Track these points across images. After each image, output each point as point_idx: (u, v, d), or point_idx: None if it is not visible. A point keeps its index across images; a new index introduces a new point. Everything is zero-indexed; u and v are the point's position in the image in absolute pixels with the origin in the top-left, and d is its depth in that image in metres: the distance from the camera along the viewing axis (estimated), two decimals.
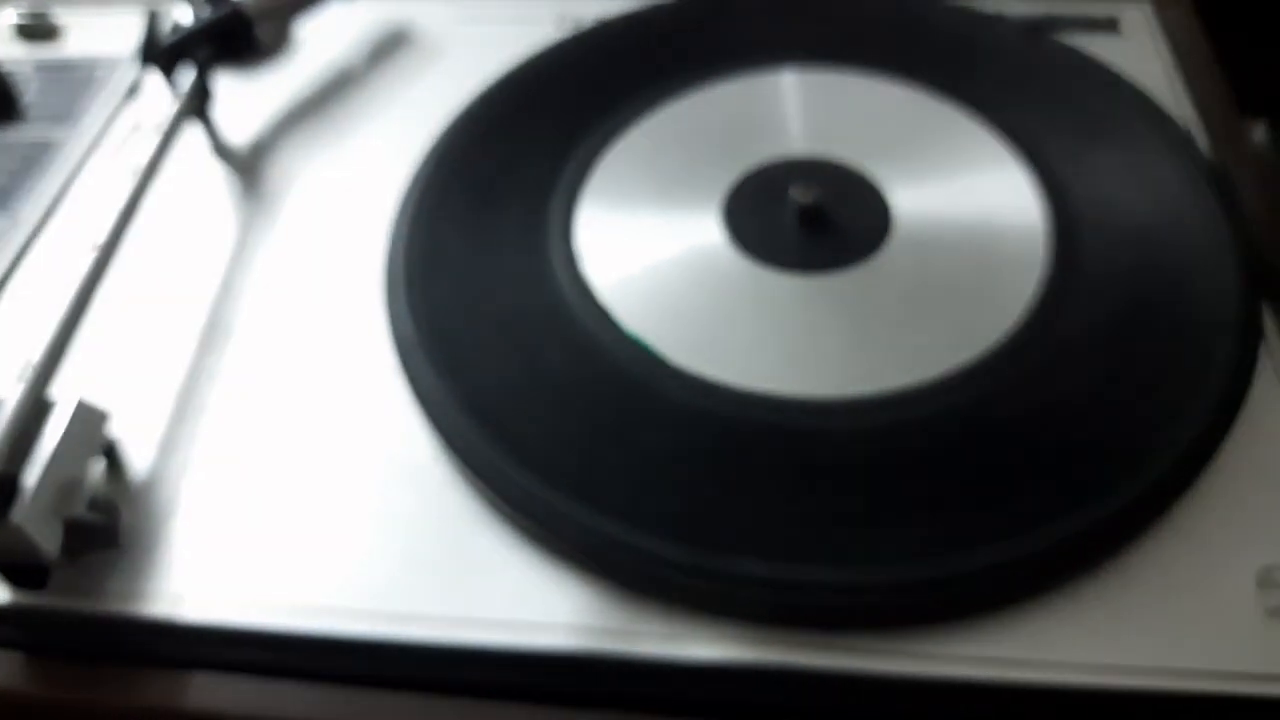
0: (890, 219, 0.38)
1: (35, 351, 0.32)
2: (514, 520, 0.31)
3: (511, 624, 0.30)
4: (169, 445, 0.34)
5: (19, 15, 0.50)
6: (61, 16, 0.51)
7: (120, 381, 0.36)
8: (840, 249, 0.37)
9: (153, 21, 0.42)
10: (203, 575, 0.31)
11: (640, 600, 0.30)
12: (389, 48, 0.48)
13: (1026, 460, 0.32)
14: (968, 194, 0.39)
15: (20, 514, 0.28)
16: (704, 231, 0.38)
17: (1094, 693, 0.28)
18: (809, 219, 0.38)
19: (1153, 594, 0.30)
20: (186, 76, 0.42)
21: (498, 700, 0.29)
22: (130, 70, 0.47)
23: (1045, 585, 0.30)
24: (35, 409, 0.30)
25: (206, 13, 0.44)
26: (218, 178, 0.43)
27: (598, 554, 0.30)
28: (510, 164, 0.41)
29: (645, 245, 0.38)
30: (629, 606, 0.30)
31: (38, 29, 0.50)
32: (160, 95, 0.43)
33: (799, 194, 0.37)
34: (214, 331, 0.37)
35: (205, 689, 0.30)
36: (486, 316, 0.36)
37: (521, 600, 0.30)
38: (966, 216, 0.38)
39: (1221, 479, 0.32)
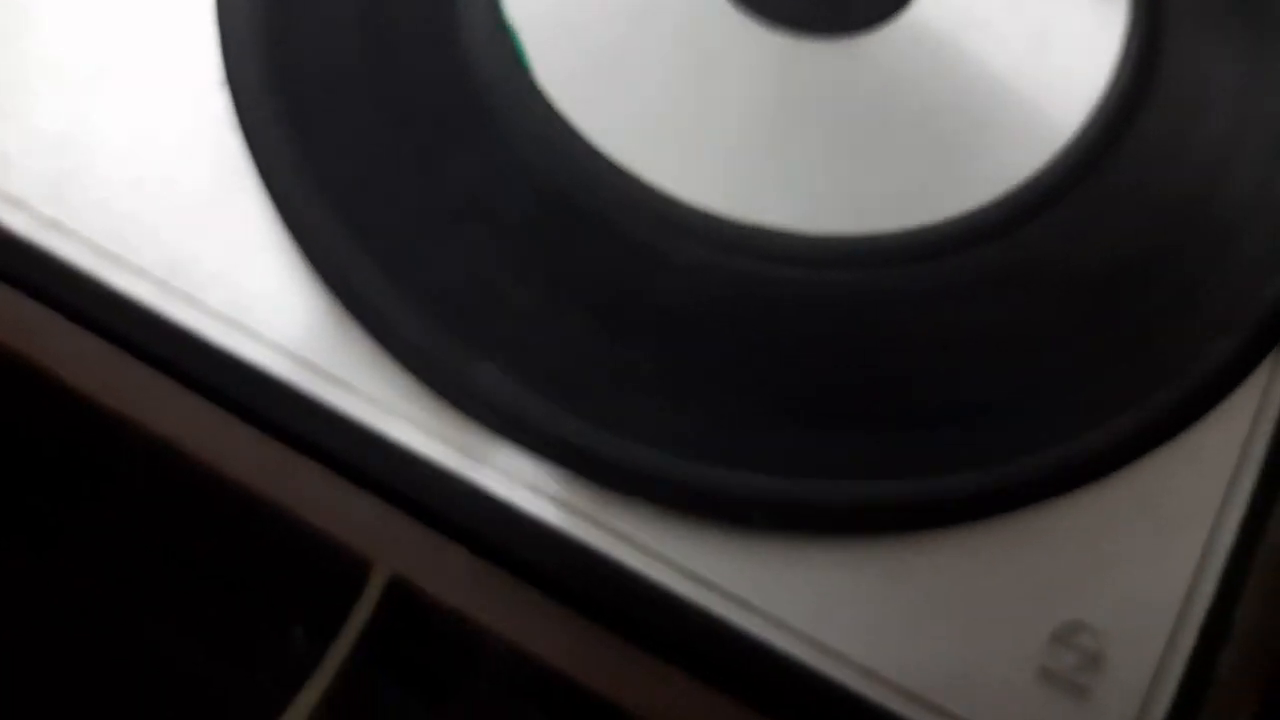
0: None
1: None
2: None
3: (229, 321, 0.26)
4: None
5: None
6: None
7: None
8: (841, 3, 0.28)
9: None
10: None
11: (374, 358, 0.25)
12: None
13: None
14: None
15: None
16: None
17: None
18: None
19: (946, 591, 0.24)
20: None
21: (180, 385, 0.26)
22: None
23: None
24: None
25: None
26: None
27: (341, 288, 0.25)
28: None
29: None
30: (357, 357, 0.25)
31: None
32: None
33: None
34: None
35: None
36: None
37: (253, 300, 0.26)
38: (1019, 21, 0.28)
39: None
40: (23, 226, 0.26)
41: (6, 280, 0.26)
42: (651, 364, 0.25)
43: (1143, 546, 0.25)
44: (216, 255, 0.26)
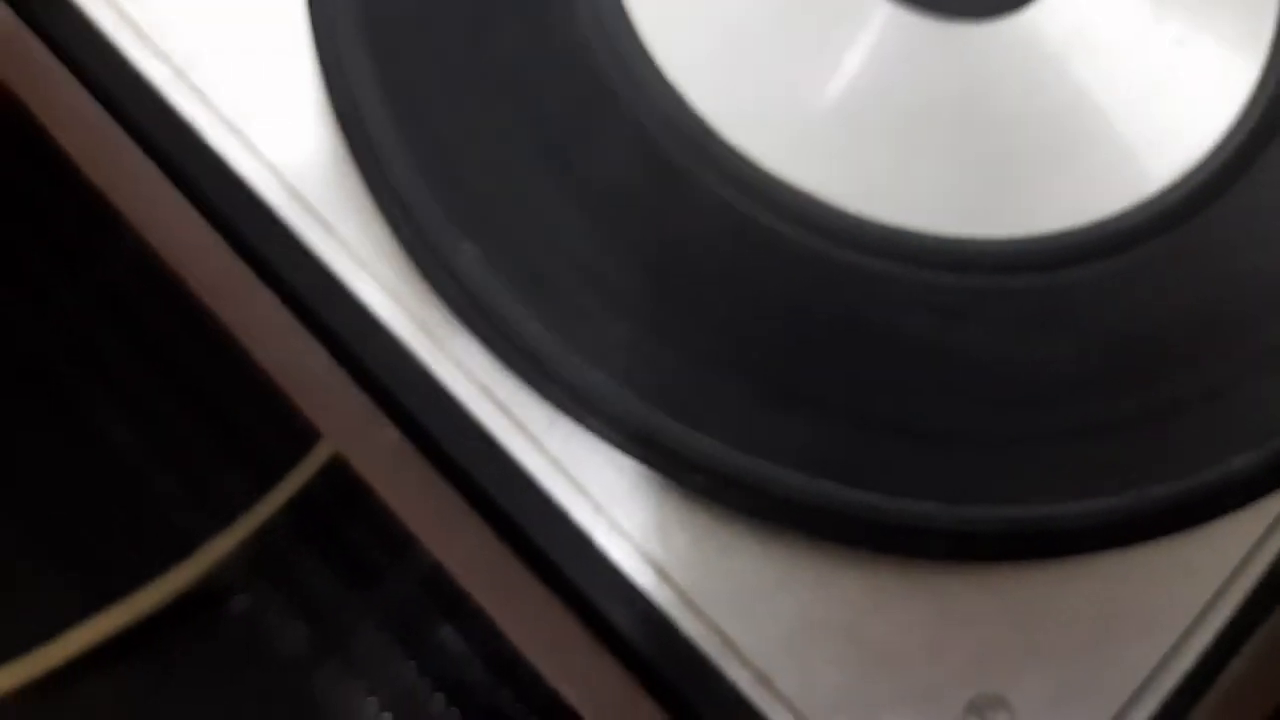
0: None
1: None
2: None
3: (233, 128, 0.25)
4: None
5: None
6: None
7: None
8: None
9: None
10: None
11: (362, 207, 0.24)
12: None
13: None
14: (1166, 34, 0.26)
15: None
16: None
17: None
18: None
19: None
20: None
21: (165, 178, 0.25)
22: None
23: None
24: None
25: None
26: None
27: (350, 120, 0.24)
28: None
29: None
30: (346, 201, 0.24)
31: None
32: None
33: None
34: None
35: None
36: None
37: (264, 115, 0.25)
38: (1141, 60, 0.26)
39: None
40: None
41: (28, 22, 0.25)
42: (636, 287, 0.23)
43: (1093, 643, 0.23)
44: (243, 63, 0.25)
